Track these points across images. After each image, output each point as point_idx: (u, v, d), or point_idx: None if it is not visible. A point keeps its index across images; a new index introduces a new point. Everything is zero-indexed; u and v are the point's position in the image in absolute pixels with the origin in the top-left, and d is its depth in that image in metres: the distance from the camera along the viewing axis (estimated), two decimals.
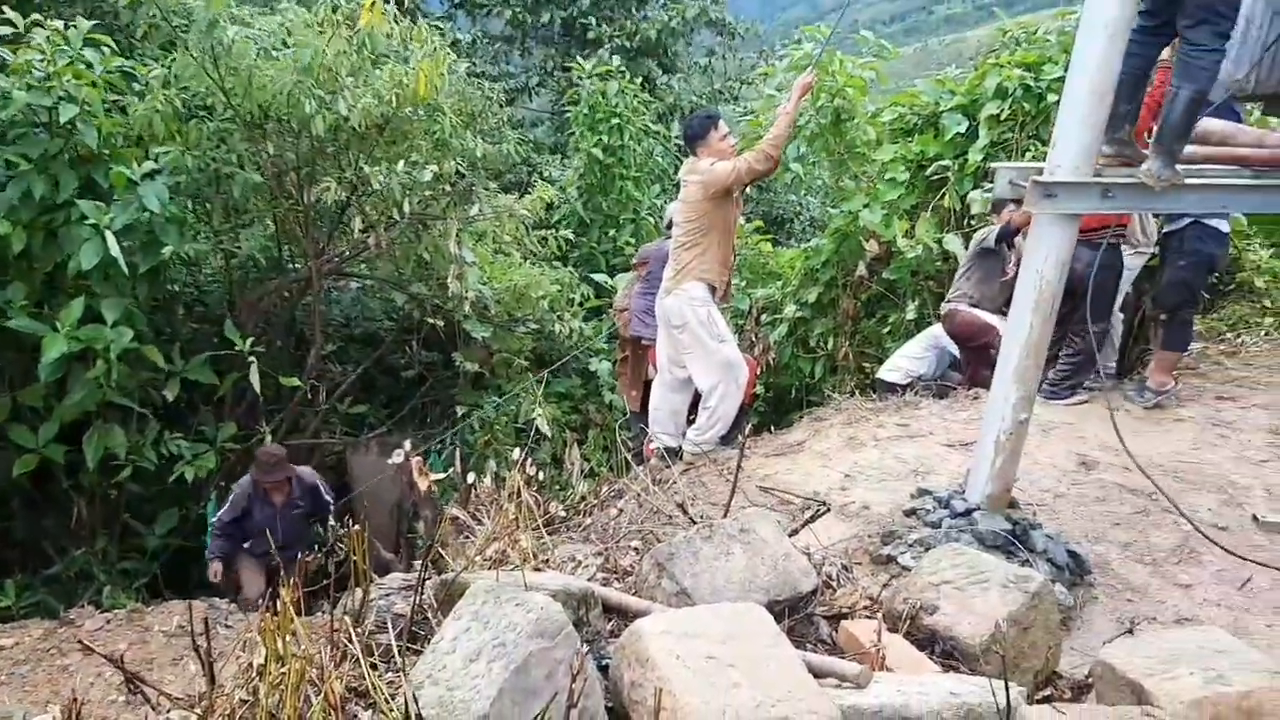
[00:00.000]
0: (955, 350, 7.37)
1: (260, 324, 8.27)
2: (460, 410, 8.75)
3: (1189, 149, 4.48)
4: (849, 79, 9.36)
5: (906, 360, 7.54)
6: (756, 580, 3.02)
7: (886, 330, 9.03)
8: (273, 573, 6.78)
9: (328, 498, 7.02)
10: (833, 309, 9.39)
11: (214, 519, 6.95)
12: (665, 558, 3.07)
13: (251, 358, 7.14)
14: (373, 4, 6.92)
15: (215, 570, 6.76)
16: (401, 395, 9.96)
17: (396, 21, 7.16)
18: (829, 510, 4.01)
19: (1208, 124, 4.82)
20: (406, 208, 7.60)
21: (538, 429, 8.05)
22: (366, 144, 7.67)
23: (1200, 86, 3.96)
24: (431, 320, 8.55)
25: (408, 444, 5.11)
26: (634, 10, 17.62)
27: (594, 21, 17.11)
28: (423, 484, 5.11)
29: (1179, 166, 4.11)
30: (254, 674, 2.05)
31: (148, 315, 7.19)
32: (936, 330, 7.57)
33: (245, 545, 6.91)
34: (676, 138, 13.04)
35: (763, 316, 9.86)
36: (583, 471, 7.41)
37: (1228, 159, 4.42)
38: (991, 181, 8.03)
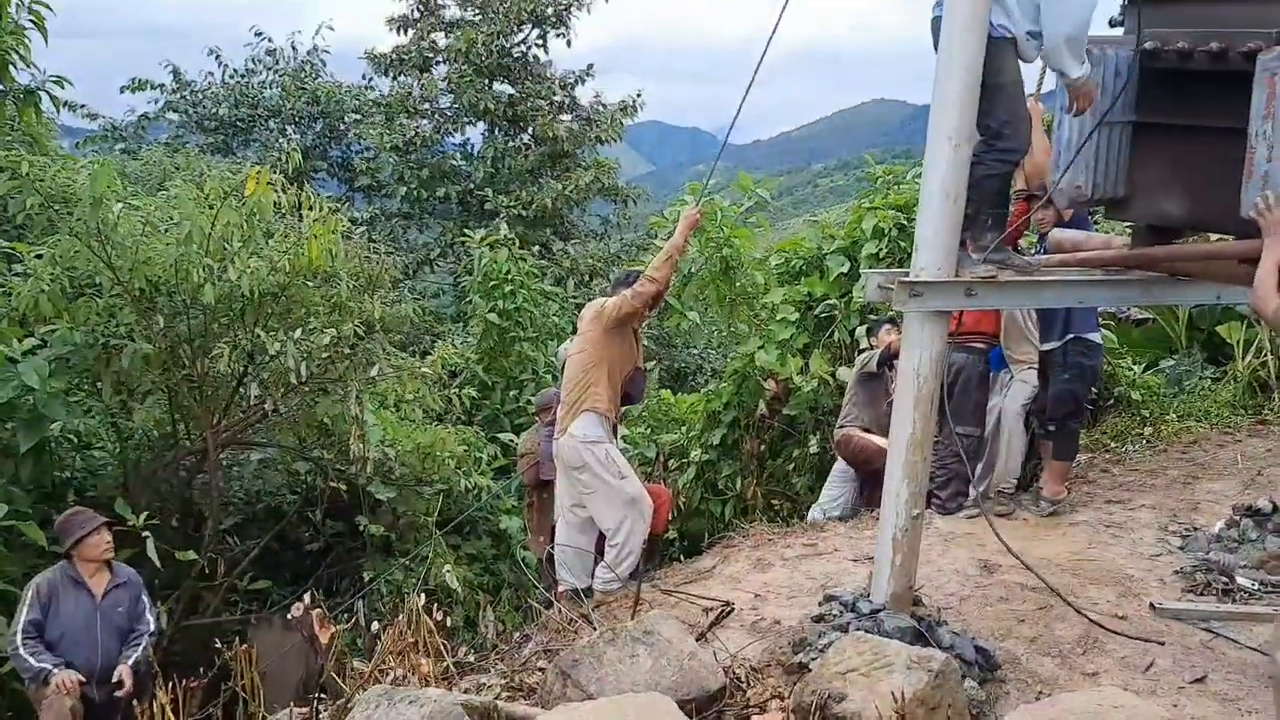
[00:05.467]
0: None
1: (155, 501, 8.01)
2: (368, 577, 8.50)
3: (1043, 256, 4.81)
4: (735, 230, 9.82)
5: (824, 508, 7.49)
6: (663, 681, 2.97)
7: (791, 466, 9.18)
8: (90, 708, 5.48)
9: (148, 603, 5.99)
10: (738, 450, 9.53)
11: (12, 630, 5.56)
12: (569, 665, 3.01)
13: (146, 533, 6.89)
14: (258, 173, 7.06)
15: (62, 682, 5.32)
16: (306, 570, 9.64)
17: (284, 190, 7.30)
18: (733, 610, 3.99)
19: (1060, 234, 5.21)
20: (304, 372, 7.57)
21: (448, 589, 7.85)
22: (262, 312, 7.69)
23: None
24: (334, 484, 8.38)
25: (307, 597, 4.95)
26: (529, 181, 18.27)
27: (490, 194, 17.66)
28: (324, 636, 4.93)
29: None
30: None
31: (35, 501, 6.92)
32: (840, 466, 7.65)
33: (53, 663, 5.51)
34: (573, 298, 13.35)
35: (670, 462, 9.94)
36: (498, 633, 7.25)
37: (1081, 262, 4.74)
38: (876, 314, 8.44)
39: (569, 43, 19.37)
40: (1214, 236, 4.36)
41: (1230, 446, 7.59)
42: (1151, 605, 4.89)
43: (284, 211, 7.55)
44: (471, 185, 18.06)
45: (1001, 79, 4.19)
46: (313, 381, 7.93)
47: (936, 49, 4.19)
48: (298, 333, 7.50)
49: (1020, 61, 4.31)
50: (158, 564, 6.97)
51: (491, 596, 9.31)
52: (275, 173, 7.27)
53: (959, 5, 3.88)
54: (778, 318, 9.26)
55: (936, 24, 4.24)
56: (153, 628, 6.02)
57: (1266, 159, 3.73)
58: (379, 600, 8.42)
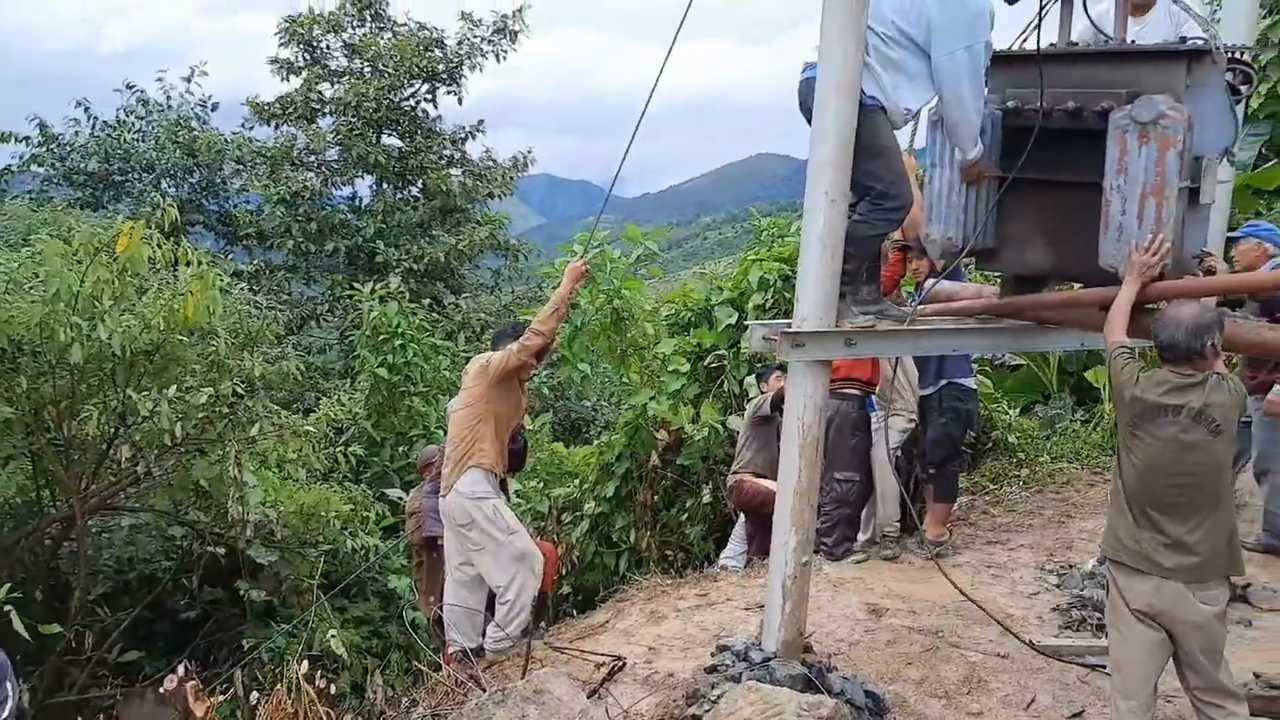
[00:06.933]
0: None
1: (18, 573, 7.57)
2: (248, 645, 8.15)
3: (919, 306, 4.96)
4: (626, 281, 9.89)
5: (728, 564, 7.53)
6: None
7: (685, 517, 9.18)
8: None
9: (11, 687, 5.71)
10: (631, 501, 9.49)
11: None
12: None
13: (9, 607, 6.49)
14: (131, 228, 6.83)
15: None
16: (182, 640, 9.20)
17: (159, 246, 7.06)
18: (625, 664, 3.94)
19: (938, 285, 5.37)
20: (179, 432, 7.29)
21: (334, 654, 7.58)
22: (135, 371, 7.39)
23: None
24: (212, 549, 8.05)
25: (181, 668, 4.71)
26: (419, 235, 18.09)
27: (380, 247, 17.43)
28: (199, 710, 4.69)
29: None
30: None
31: None
32: (739, 524, 7.69)
33: None
34: (464, 352, 13.22)
35: (563, 515, 9.85)
36: (386, 698, 7.01)
37: (954, 311, 4.90)
38: (765, 363, 8.58)
39: (460, 99, 19.38)
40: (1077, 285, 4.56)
41: (1100, 485, 7.91)
42: (1030, 643, 5.02)
43: (159, 267, 7.30)
44: (361, 239, 17.81)
45: (880, 142, 4.34)
46: (189, 442, 7.64)
47: (802, 109, 4.33)
48: (172, 391, 7.22)
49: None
50: (27, 637, 6.56)
51: (380, 660, 9.03)
52: (149, 227, 7.02)
53: (830, 69, 4.00)
54: (669, 368, 9.33)
55: (805, 86, 4.37)
56: (8, 710, 5.61)
57: (1121, 211, 3.94)
58: (260, 669, 8.08)
